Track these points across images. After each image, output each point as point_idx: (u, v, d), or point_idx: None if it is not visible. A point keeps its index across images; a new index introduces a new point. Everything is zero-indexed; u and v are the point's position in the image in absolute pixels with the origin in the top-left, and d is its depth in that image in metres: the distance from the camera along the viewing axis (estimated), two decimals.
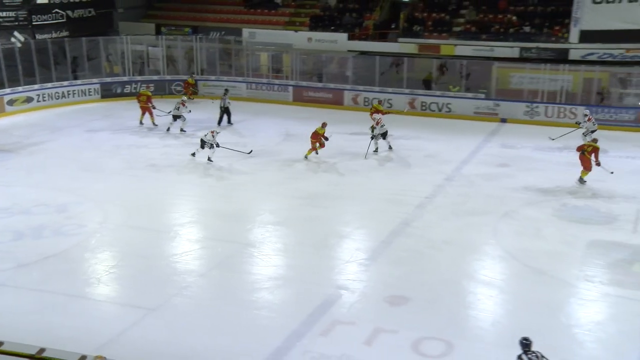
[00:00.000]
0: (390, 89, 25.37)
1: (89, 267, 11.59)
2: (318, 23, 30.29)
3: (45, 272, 11.31)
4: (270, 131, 21.88)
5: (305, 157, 18.25)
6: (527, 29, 26.89)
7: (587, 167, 16.13)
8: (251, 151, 18.50)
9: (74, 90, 25.92)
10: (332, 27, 29.75)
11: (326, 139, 18.19)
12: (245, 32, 29.59)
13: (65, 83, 25.77)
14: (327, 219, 14.05)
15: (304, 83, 27.07)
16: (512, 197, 15.25)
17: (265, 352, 8.84)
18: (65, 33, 29.07)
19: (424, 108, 24.26)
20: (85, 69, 27.46)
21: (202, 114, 22.99)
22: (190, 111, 21.34)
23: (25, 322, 9.43)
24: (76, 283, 10.91)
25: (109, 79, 27.19)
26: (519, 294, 10.79)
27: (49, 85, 25.21)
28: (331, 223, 13.81)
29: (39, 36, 27.85)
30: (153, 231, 13.24)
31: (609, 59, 24.21)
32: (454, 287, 10.86)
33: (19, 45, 25.84)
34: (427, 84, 26.05)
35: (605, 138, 18.39)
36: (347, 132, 21.16)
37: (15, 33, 27.08)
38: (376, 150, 18.88)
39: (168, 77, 28.07)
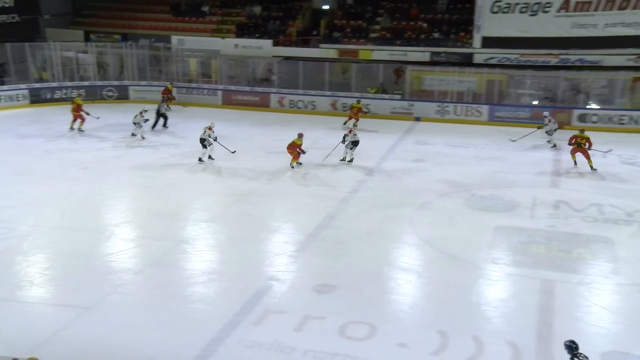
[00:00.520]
0: (312, 92, 25.57)
1: (21, 270, 10.98)
2: (244, 30, 30.20)
3: None
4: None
5: (292, 166, 17.16)
6: (436, 35, 27.82)
7: (588, 156, 17.11)
8: (235, 151, 18.27)
9: (1, 96, 24.51)
10: (258, 34, 29.75)
11: (303, 152, 17.14)
12: (174, 39, 29.12)
13: None
14: (257, 214, 13.97)
15: (232, 87, 26.89)
16: (427, 189, 15.66)
17: (201, 343, 8.70)
18: None
19: (344, 109, 24.49)
20: (12, 74, 26.00)
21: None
22: (147, 120, 20.55)
23: None
24: (7, 287, 10.31)
25: (37, 85, 25.89)
26: (435, 278, 11.11)
27: None
28: (261, 218, 13.73)
29: None
30: (87, 232, 12.71)
31: (507, 63, 25.45)
32: (376, 274, 11.05)
33: None
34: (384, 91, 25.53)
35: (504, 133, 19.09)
36: (273, 132, 21.13)
37: None
38: (351, 161, 17.72)
39: (99, 83, 27.04)
